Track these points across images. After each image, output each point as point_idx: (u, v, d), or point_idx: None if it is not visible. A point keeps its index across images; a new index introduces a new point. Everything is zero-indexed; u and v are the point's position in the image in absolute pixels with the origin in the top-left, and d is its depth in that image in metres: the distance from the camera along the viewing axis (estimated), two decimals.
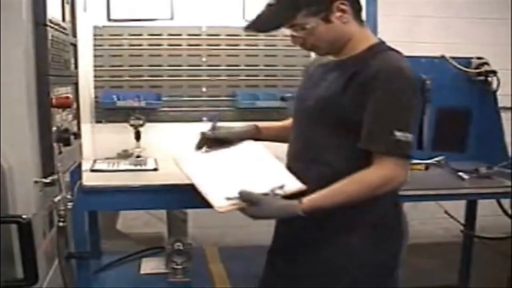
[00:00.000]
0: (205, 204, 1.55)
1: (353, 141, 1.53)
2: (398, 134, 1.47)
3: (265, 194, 1.54)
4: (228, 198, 1.53)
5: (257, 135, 1.86)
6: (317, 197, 1.52)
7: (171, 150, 1.80)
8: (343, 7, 1.55)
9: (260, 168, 1.72)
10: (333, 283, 1.60)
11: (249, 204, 1.52)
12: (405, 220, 1.71)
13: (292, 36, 1.61)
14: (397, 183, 1.54)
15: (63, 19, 1.50)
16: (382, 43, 1.63)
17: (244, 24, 1.68)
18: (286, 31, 1.62)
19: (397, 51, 1.60)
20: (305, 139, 1.66)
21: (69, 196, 1.40)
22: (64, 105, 1.37)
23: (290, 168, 1.67)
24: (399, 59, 1.55)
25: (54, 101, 1.32)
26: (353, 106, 1.52)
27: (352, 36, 1.60)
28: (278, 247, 1.78)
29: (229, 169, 1.73)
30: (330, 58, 1.69)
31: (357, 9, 1.60)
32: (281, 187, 1.56)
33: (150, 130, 2.54)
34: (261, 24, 1.63)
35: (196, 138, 1.83)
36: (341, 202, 1.51)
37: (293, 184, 1.58)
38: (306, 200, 1.51)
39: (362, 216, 1.59)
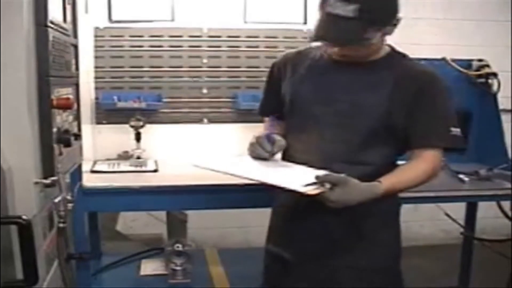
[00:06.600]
0: (204, 205, 1.53)
1: (394, 141, 1.60)
2: (454, 130, 1.59)
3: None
4: (307, 185, 1.44)
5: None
6: (393, 179, 1.55)
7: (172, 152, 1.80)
8: (397, 22, 1.54)
9: (293, 168, 1.63)
10: (375, 282, 1.62)
11: (333, 186, 1.44)
12: None
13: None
14: (436, 176, 1.62)
15: (64, 20, 1.50)
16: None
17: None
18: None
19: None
20: (341, 140, 1.59)
21: (69, 197, 1.39)
22: (64, 106, 1.36)
23: (326, 169, 1.58)
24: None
25: (54, 102, 1.31)
26: (401, 111, 1.56)
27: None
28: (307, 250, 1.68)
29: (272, 167, 1.63)
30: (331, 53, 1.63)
31: None
32: None
33: (151, 131, 2.54)
34: (337, 37, 1.51)
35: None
36: (407, 187, 1.60)
37: None
38: (384, 180, 1.52)
39: (395, 210, 1.68)
